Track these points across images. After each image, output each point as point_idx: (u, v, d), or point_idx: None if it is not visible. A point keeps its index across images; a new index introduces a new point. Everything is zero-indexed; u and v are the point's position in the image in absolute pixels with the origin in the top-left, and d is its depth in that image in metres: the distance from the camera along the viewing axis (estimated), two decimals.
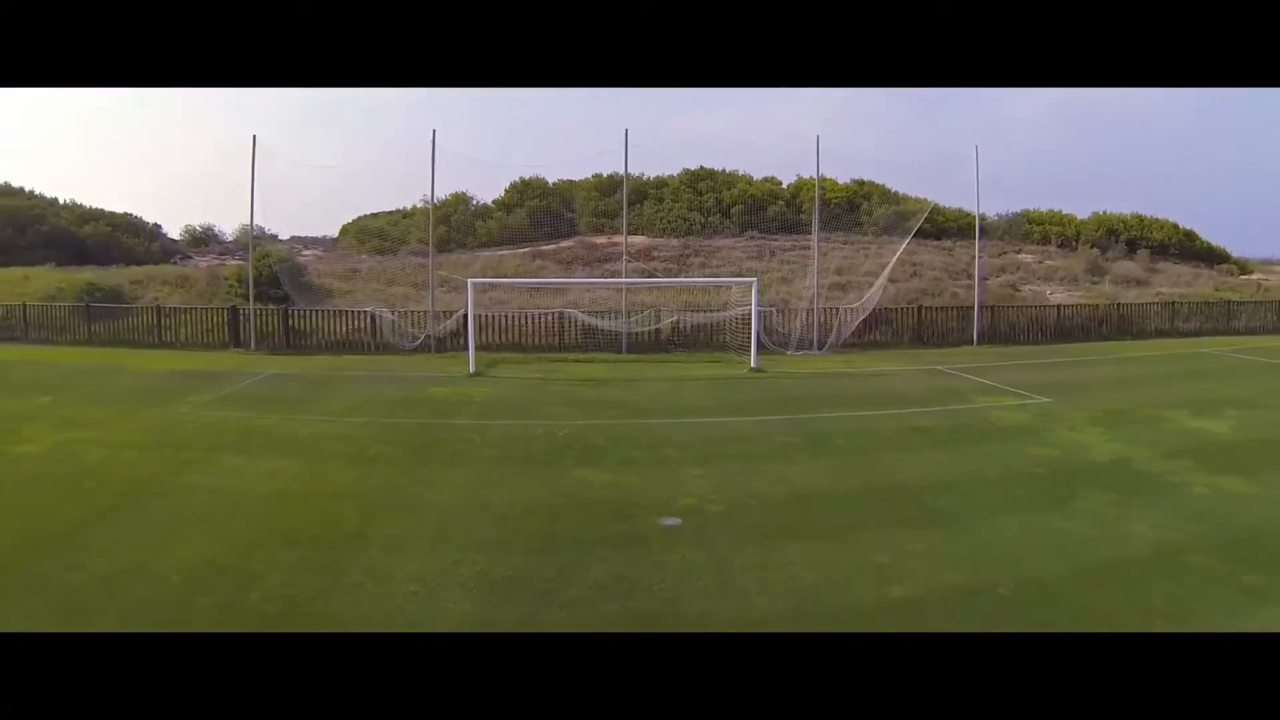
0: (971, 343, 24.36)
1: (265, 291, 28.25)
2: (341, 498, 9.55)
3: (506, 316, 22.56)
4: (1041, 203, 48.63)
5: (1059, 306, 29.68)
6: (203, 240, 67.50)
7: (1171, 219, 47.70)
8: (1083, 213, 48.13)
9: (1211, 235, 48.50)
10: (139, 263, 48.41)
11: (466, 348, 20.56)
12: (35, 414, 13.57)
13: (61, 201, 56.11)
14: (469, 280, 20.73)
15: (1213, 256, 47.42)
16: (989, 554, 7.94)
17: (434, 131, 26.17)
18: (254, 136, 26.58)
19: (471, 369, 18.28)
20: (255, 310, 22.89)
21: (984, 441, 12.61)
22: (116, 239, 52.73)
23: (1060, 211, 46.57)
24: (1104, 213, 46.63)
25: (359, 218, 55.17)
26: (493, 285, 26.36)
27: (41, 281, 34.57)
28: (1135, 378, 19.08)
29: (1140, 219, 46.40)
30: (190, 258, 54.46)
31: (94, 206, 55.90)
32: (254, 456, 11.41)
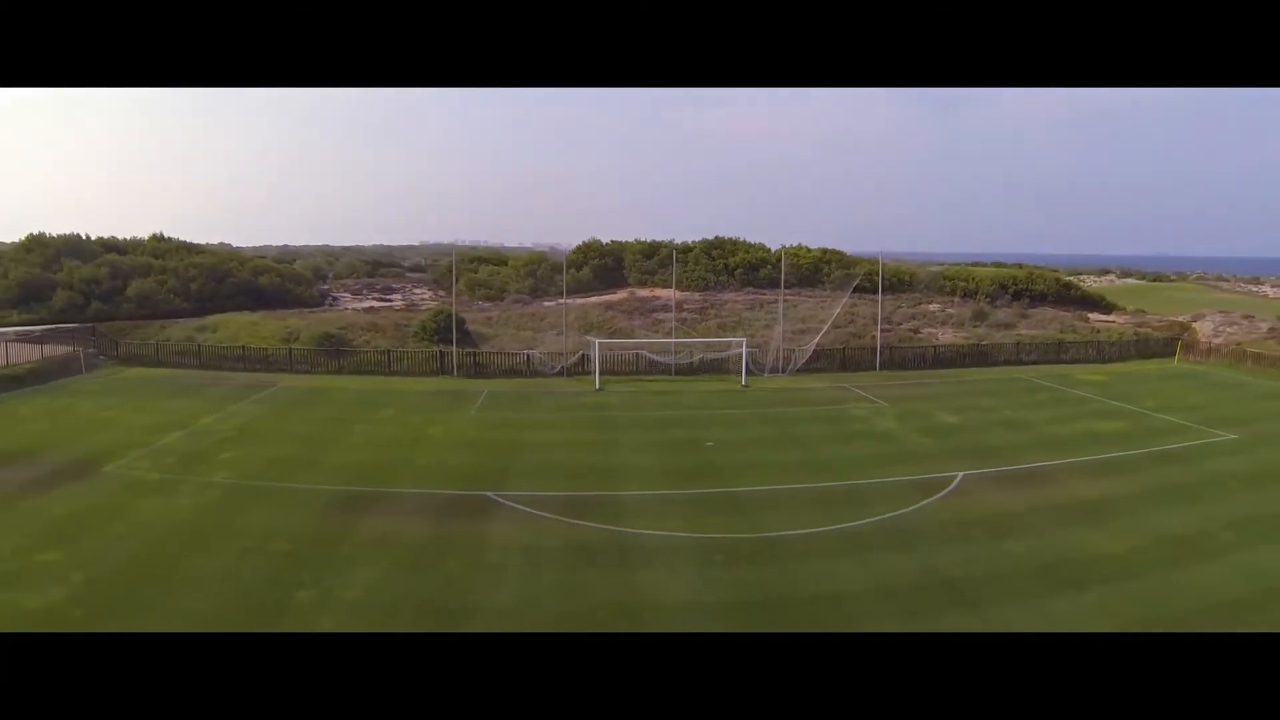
0: (875, 369, 40.80)
1: (444, 336, 45.01)
2: (600, 440, 26.40)
3: (604, 355, 39.11)
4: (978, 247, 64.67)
5: (935, 346, 46.04)
6: (322, 275, 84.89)
7: (1056, 270, 64.01)
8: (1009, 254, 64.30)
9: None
10: (304, 305, 65.48)
11: (585, 373, 37.51)
12: (400, 419, 26.01)
13: (213, 244, 72.25)
14: (595, 340, 37.50)
15: (1086, 302, 63.69)
16: (812, 453, 24.87)
17: (560, 249, 42.91)
18: (454, 253, 43.27)
19: (597, 386, 34.90)
20: (456, 351, 39.62)
21: (839, 422, 29.38)
22: (286, 287, 69.73)
23: (968, 265, 63.01)
24: (1002, 263, 63.10)
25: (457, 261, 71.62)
26: (604, 341, 43.15)
27: (272, 326, 50.66)
28: (946, 393, 34.38)
29: (1029, 273, 62.83)
30: (337, 299, 71.35)
31: (250, 253, 72.61)
32: (545, 430, 27.96)
